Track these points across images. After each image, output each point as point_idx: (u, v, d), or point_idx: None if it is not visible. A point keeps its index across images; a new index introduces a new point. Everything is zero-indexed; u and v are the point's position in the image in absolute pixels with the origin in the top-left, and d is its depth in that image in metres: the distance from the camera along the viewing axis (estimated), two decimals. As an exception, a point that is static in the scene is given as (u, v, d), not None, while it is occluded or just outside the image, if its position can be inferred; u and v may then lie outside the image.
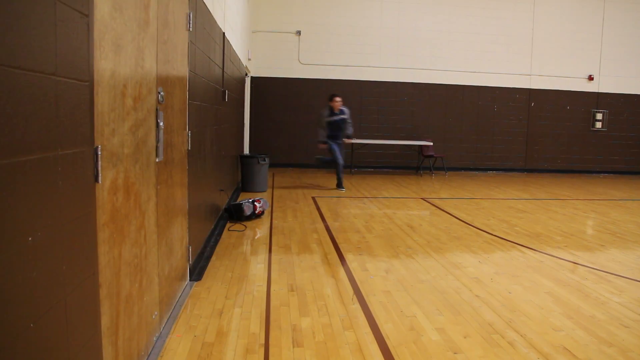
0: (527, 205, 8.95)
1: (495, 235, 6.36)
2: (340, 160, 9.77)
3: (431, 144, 13.08)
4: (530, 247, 5.85)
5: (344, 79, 13.40)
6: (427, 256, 5.43)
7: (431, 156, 13.09)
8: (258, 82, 13.01)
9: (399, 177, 12.46)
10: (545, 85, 14.26)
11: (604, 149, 14.78)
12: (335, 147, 9.79)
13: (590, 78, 14.39)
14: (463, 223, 7.08)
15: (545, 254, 5.57)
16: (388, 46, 13.54)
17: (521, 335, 3.38)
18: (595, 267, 5.09)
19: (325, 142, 9.89)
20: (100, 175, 1.97)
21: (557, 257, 5.46)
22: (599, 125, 14.60)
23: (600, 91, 14.49)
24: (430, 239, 6.13)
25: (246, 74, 11.64)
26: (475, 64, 13.86)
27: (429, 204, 8.62)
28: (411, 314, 3.75)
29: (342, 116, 9.84)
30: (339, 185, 9.94)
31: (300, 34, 13.21)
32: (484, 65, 13.90)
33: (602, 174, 14.70)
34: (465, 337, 3.32)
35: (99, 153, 1.96)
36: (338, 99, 9.79)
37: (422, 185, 10.51)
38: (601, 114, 14.56)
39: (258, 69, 13.04)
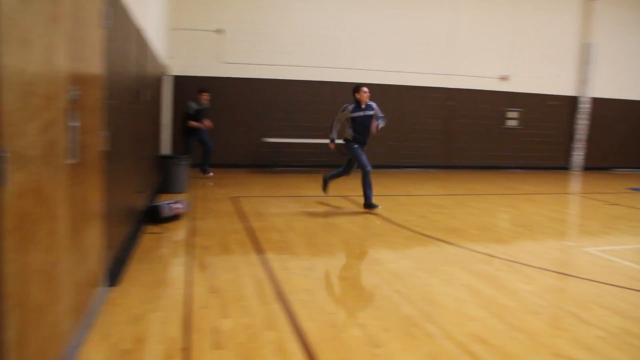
0: (445, 200, 9.29)
1: (414, 231, 6.56)
2: (368, 167, 7.76)
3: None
4: (447, 241, 6.07)
5: (268, 78, 13.36)
6: (348, 253, 5.52)
7: (353, 154, 13.26)
8: (180, 81, 12.72)
9: (321, 175, 12.52)
10: (462, 84, 14.87)
11: (517, 146, 15.64)
12: (360, 151, 7.89)
13: (505, 78, 15.15)
14: (383, 220, 7.25)
15: (462, 247, 5.81)
16: (311, 45, 13.61)
17: (439, 327, 3.51)
18: (508, 259, 5.36)
19: (333, 141, 8.22)
20: (5, 178, 1.87)
21: (473, 250, 5.71)
22: (512, 123, 15.49)
23: (514, 91, 15.31)
24: (351, 236, 6.24)
25: (167, 73, 11.36)
26: (396, 63, 14.22)
27: (349, 202, 8.76)
28: (332, 311, 3.81)
29: (371, 112, 8.01)
30: (369, 206, 7.78)
31: (223, 32, 13.03)
32: (405, 65, 14.28)
33: (515, 169, 15.48)
34: (385, 331, 3.41)
35: (4, 155, 1.85)
36: (366, 89, 7.97)
37: (343, 183, 10.63)
38: (514, 113, 15.44)
39: (180, 67, 12.74)
